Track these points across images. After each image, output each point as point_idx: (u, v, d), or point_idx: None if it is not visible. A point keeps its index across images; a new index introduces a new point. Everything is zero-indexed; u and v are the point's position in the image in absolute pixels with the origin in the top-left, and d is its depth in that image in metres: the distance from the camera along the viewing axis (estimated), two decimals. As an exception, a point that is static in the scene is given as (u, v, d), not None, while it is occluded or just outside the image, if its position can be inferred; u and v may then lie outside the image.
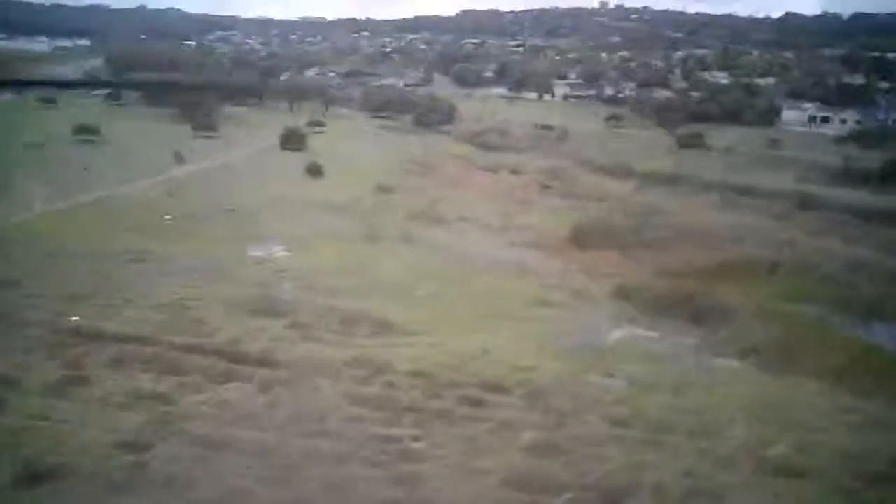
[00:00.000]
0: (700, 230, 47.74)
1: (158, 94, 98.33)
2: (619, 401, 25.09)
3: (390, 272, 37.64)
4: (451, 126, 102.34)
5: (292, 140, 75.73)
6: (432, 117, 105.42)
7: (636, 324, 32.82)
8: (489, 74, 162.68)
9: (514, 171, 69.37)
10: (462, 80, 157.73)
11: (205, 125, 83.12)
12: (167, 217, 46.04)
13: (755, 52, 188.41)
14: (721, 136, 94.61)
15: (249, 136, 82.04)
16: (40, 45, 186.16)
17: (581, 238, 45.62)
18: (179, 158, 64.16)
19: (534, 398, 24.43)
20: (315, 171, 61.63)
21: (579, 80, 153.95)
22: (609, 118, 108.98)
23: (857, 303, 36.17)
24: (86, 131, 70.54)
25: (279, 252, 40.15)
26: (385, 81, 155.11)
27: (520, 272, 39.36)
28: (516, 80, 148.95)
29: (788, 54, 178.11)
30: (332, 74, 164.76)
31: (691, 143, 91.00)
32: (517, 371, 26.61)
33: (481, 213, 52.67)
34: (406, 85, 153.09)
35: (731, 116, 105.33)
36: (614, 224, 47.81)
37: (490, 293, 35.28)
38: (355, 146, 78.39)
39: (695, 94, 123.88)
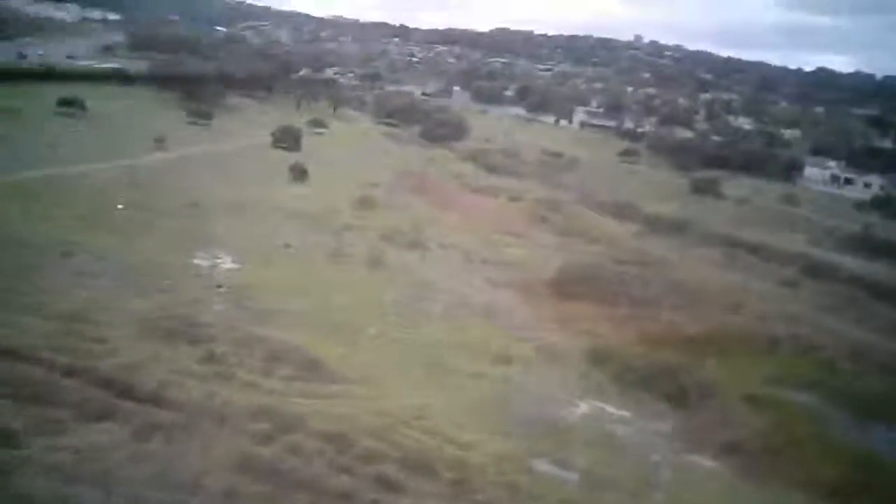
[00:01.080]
0: (697, 290, 43.58)
1: (166, 76, 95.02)
2: (566, 501, 21.06)
3: (344, 301, 33.68)
4: (459, 142, 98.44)
5: (286, 138, 71.98)
6: (441, 131, 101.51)
7: (606, 397, 28.70)
8: (510, 93, 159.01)
9: (512, 198, 65.38)
10: (481, 96, 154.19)
11: (200, 113, 79.60)
12: (120, 206, 42.27)
13: (783, 103, 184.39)
14: (737, 185, 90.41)
15: (244, 128, 78.38)
16: (64, 13, 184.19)
17: (565, 284, 41.52)
18: (160, 144, 60.57)
19: (462, 488, 20.42)
20: (299, 174, 57.81)
21: (600, 109, 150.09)
22: (623, 153, 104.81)
23: (859, 398, 31.83)
24: (69, 104, 66.96)
25: (227, 263, 36.23)
26: (403, 88, 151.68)
27: (488, 316, 35.31)
28: (536, 101, 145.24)
29: (818, 109, 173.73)
30: (350, 76, 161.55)
31: (704, 188, 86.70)
32: (452, 446, 22.60)
33: (466, 240, 48.68)
34: (423, 94, 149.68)
35: (750, 166, 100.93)
36: (604, 273, 43.67)
37: (449, 340, 31.31)
38: (351, 152, 74.72)
39: (716, 138, 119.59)
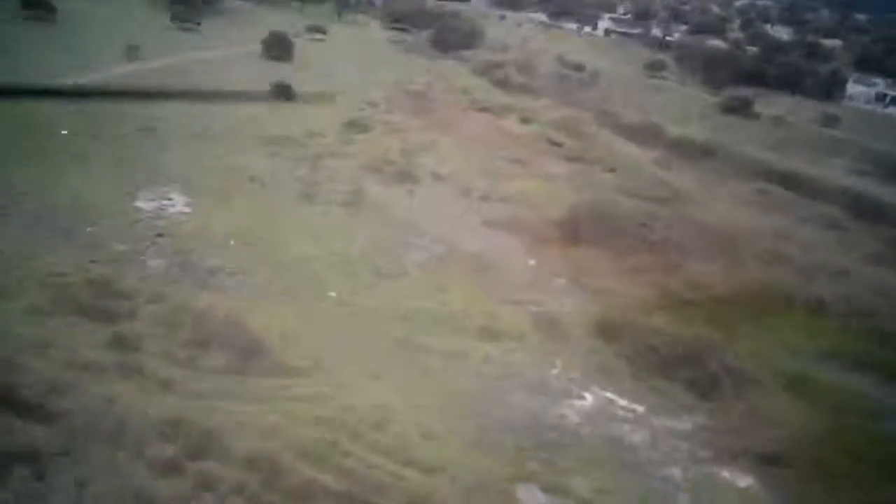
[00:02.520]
0: (727, 235, 37.72)
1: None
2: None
3: (307, 253, 28.34)
4: (471, 51, 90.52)
5: (276, 47, 64.99)
6: (453, 38, 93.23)
7: (616, 386, 23.44)
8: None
9: (523, 119, 58.80)
10: (501, 0, 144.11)
11: (187, 16, 72.46)
12: (64, 132, 36.61)
13: (824, 10, 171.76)
14: (772, 103, 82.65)
15: (237, 34, 71.25)
16: None
17: (573, 226, 35.78)
18: (132, 54, 54.20)
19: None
20: (282, 91, 51.40)
21: (626, 16, 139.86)
22: (650, 65, 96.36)
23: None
24: (37, 6, 60.18)
25: (176, 205, 30.76)
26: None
27: (478, 271, 29.76)
28: (559, 6, 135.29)
29: (860, 16, 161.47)
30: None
31: (736, 108, 79.05)
32: (413, 470, 17.62)
33: (464, 170, 42.73)
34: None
35: (787, 82, 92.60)
36: (619, 211, 37.77)
37: (426, 307, 25.93)
38: (349, 63, 67.72)
39: (751, 48, 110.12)
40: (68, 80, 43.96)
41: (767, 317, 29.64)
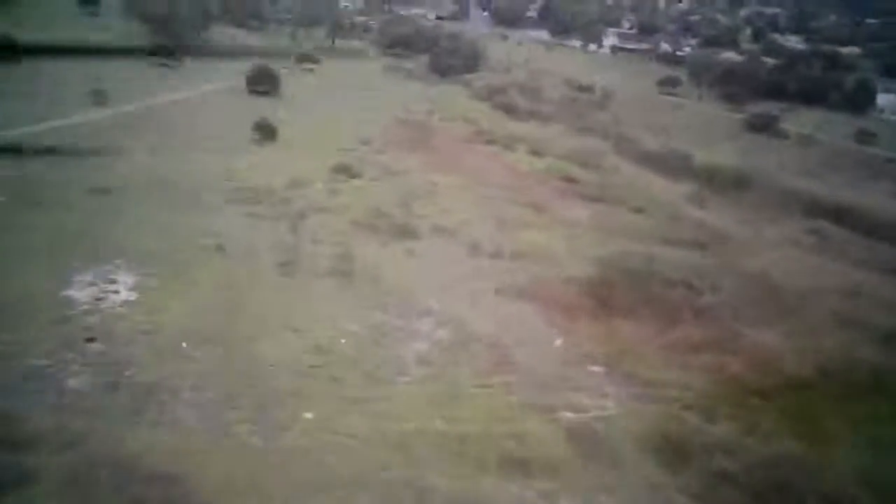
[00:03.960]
0: (783, 289, 31.82)
1: (141, 5, 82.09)
2: None
3: (280, 352, 22.60)
4: (473, 74, 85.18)
5: (262, 81, 59.79)
6: (452, 62, 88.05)
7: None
8: (532, 14, 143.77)
9: (533, 152, 53.10)
10: (501, 19, 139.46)
11: (166, 52, 67.12)
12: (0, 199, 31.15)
13: (831, 16, 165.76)
14: (798, 120, 77.18)
15: (221, 67, 65.87)
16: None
17: (604, 287, 29.93)
18: (99, 98, 48.93)
19: None
20: (265, 131, 45.93)
21: (632, 31, 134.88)
22: (662, 81, 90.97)
23: None
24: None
25: (120, 292, 25.07)
26: (414, 11, 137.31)
27: (495, 363, 23.92)
28: (561, 23, 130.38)
29: (871, 20, 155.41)
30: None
31: (762, 126, 73.65)
32: None
33: (470, 220, 36.95)
34: (438, 17, 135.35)
35: (811, 94, 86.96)
36: (656, 266, 31.90)
37: (431, 428, 20.06)
38: (341, 95, 62.45)
39: (767, 59, 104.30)
40: (16, 132, 38.58)
41: (859, 405, 23.66)
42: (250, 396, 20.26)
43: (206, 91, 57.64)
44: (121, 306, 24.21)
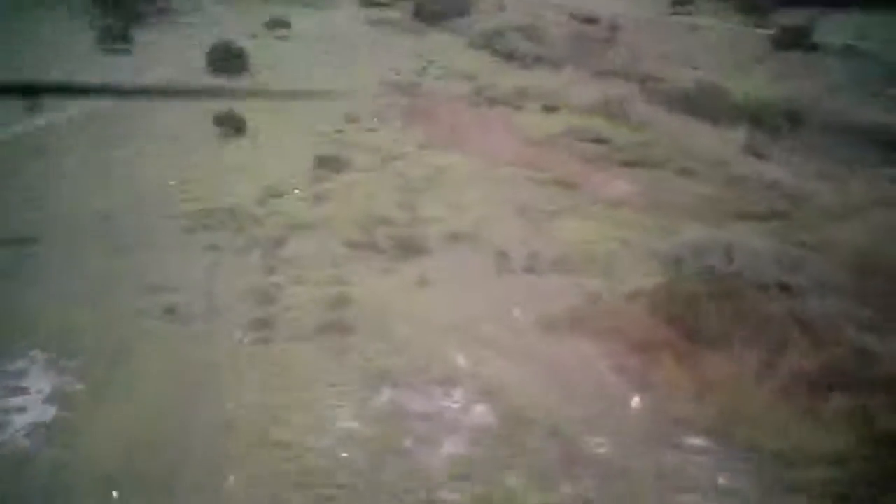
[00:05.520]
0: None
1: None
2: None
3: (249, 487, 15.73)
4: (465, 18, 76.28)
5: (224, 58, 51.65)
6: (441, 6, 79.02)
7: None
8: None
9: (547, 108, 45.27)
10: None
11: (115, 32, 58.99)
12: None
13: None
14: (832, 27, 68.27)
15: (179, 46, 57.75)
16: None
17: (679, 308, 22.36)
18: (33, 104, 41.15)
19: None
20: (231, 125, 38.24)
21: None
22: (674, 2, 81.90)
23: None
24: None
25: (33, 401, 18.21)
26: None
27: (557, 465, 16.91)
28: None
29: None
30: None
31: (793, 42, 65.03)
32: None
33: (490, 216, 29.70)
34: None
35: (840, -3, 77.82)
36: (741, 266, 24.53)
37: None
38: (320, 65, 54.19)
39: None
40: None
41: None
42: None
43: (162, 78, 49.66)
44: (30, 429, 17.32)
